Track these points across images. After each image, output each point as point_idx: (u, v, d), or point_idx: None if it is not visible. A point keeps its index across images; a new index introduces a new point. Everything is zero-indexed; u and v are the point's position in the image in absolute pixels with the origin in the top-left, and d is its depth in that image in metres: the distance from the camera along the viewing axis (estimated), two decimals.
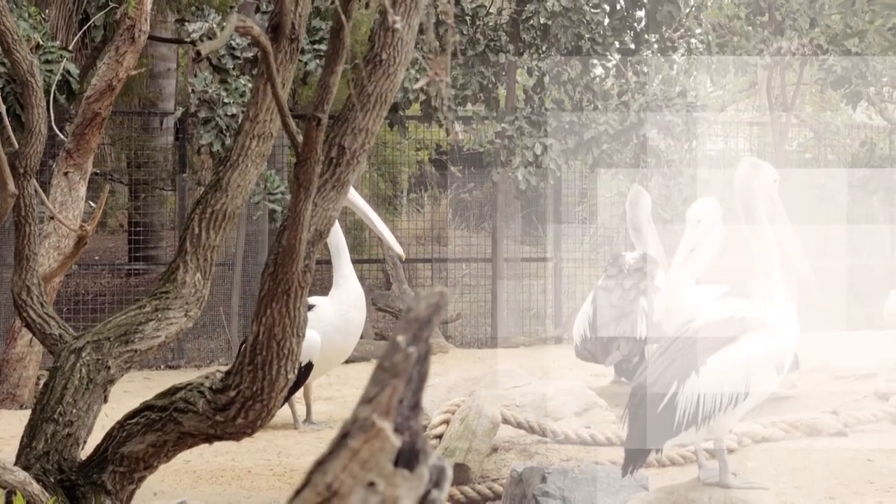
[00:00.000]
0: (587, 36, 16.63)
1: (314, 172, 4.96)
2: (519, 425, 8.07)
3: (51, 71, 11.26)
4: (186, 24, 15.15)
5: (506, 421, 7.97)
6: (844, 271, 16.60)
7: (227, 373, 5.60)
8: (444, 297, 2.42)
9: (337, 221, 6.13)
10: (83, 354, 5.92)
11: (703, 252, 8.93)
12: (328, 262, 10.50)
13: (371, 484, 2.27)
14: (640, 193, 10.65)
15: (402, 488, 2.28)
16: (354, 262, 10.97)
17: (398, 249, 10.62)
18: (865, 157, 18.00)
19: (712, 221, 8.84)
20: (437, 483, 2.36)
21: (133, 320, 5.95)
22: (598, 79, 17.27)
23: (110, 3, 12.30)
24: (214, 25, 14.03)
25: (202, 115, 14.32)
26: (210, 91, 14.28)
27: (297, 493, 2.33)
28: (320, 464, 2.30)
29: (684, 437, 6.43)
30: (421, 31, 5.68)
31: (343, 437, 2.29)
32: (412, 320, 2.36)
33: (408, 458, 2.31)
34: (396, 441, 2.28)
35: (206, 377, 5.69)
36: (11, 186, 6.50)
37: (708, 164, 17.93)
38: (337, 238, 10.18)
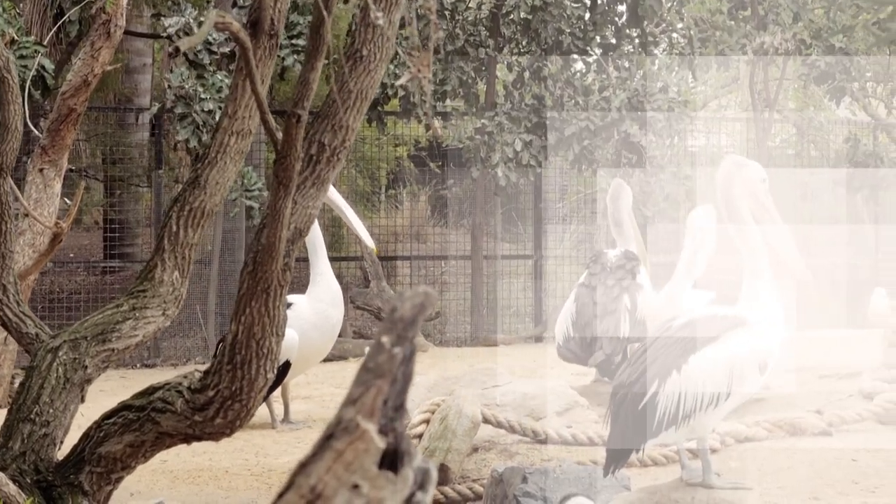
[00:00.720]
0: (568, 31, 16.61)
1: (294, 170, 4.91)
2: (499, 425, 8.02)
3: (25, 66, 11.16)
4: (162, 18, 15.08)
5: (486, 420, 7.92)
6: (829, 270, 16.61)
7: (206, 372, 5.55)
8: (430, 298, 2.37)
9: None
10: (60, 354, 5.85)
11: (701, 259, 8.98)
12: (305, 260, 10.45)
13: (355, 486, 2.23)
14: (622, 187, 10.62)
15: (386, 490, 2.25)
16: (332, 259, 10.92)
17: (369, 241, 10.57)
18: (849, 153, 18.02)
19: (711, 229, 8.88)
20: (421, 485, 2.32)
21: (110, 319, 5.89)
22: (578, 74, 17.22)
23: None
24: (191, 20, 13.95)
25: (178, 110, 14.25)
26: (186, 86, 14.21)
27: (281, 495, 2.29)
28: (304, 466, 2.26)
29: (665, 437, 6.37)
30: (402, 27, 5.62)
31: (327, 438, 2.25)
32: (397, 320, 2.31)
33: (392, 459, 2.27)
34: (381, 443, 2.24)
35: (185, 377, 5.64)
36: None
37: (690, 161, 17.91)
38: (314, 235, 10.12)
